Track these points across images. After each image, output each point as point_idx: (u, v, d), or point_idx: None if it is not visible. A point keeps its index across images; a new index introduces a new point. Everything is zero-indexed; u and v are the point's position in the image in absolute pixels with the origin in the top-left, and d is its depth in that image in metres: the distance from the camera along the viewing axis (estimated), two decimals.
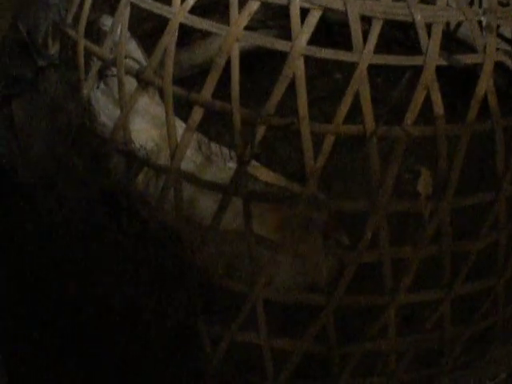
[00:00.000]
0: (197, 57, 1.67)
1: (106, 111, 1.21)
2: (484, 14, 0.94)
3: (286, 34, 1.71)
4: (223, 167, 1.16)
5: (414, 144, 0.98)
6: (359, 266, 1.06)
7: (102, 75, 1.09)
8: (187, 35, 1.71)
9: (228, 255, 1.09)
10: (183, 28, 1.03)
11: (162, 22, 1.05)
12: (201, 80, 0.99)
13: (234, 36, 0.93)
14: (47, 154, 1.16)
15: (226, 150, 1.18)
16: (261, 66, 1.59)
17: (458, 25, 1.56)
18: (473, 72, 0.97)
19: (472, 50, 0.97)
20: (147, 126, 1.22)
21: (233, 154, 1.16)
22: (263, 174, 1.10)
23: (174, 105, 1.01)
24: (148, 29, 1.34)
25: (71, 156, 1.11)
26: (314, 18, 0.92)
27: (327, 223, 1.12)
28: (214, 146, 1.25)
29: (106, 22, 1.15)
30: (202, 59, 1.66)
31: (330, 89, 1.71)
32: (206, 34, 1.70)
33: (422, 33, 0.93)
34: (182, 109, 1.06)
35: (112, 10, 1.23)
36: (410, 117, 0.95)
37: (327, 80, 1.72)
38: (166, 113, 0.99)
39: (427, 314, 1.14)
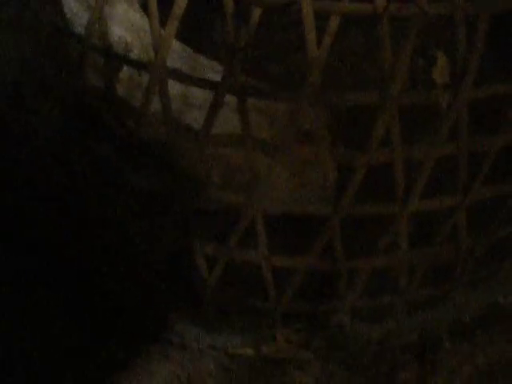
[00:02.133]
0: None
1: (80, 20, 1.06)
2: None
3: None
4: (212, 68, 1.01)
5: (429, 26, 0.84)
6: (367, 171, 0.93)
7: None
8: None
9: (223, 163, 0.96)
10: None
11: None
12: None
13: None
14: (15, 62, 1.01)
15: (213, 62, 1.04)
16: None
17: None
18: None
19: None
20: (125, 32, 1.07)
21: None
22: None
23: None
24: None
25: (43, 61, 0.96)
26: None
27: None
28: (201, 57, 1.11)
29: None
30: None
31: None
32: None
33: None
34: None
35: None
36: None
37: None
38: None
39: (441, 223, 1.01)
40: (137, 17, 1.10)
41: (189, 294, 1.03)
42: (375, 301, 1.04)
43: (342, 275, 1.00)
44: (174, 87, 0.95)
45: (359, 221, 0.98)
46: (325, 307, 1.03)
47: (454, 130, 0.91)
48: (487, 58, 0.91)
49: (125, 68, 0.96)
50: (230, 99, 0.89)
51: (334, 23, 0.81)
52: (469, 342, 1.11)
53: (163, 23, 0.88)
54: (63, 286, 1.09)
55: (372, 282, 1.03)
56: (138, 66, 0.90)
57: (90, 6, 1.06)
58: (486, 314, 1.14)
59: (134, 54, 0.94)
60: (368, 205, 0.95)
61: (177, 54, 1.06)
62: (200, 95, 1.02)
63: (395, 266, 1.01)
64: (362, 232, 1.02)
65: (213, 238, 0.99)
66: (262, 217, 0.94)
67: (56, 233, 1.09)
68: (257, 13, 0.81)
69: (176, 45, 1.05)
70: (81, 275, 1.09)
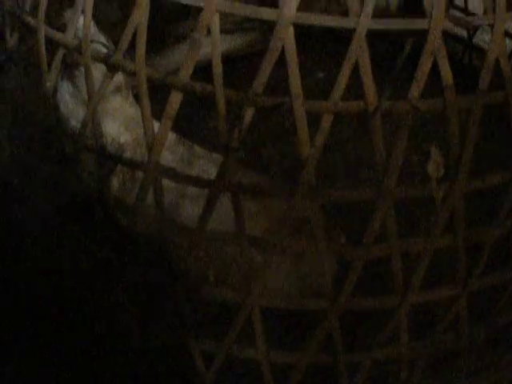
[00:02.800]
0: (172, 62, 1.52)
1: (77, 116, 1.06)
2: None
3: (263, 36, 1.59)
4: (208, 159, 1.01)
5: (421, 121, 0.84)
6: (364, 265, 0.91)
7: (66, 66, 0.94)
8: (160, 41, 1.57)
9: (218, 260, 0.94)
10: (155, 32, 0.89)
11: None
12: None
13: (213, 6, 0.79)
14: (10, 158, 1.00)
15: (215, 155, 1.03)
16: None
17: None
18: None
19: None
20: (119, 127, 1.07)
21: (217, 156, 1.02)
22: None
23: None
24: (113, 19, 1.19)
25: (37, 159, 0.95)
26: None
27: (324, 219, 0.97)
28: (197, 148, 1.11)
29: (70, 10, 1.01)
30: (178, 65, 1.52)
31: (313, 90, 1.57)
32: (180, 38, 1.57)
33: None
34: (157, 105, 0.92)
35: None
36: (416, 89, 0.81)
37: (309, 81, 1.58)
38: (140, 99, 0.84)
39: (441, 313, 0.99)
40: (131, 111, 1.10)
41: None
42: None
43: (342, 370, 0.97)
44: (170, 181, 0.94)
45: (358, 313, 0.96)
46: None
47: (450, 221, 0.89)
48: (482, 149, 0.91)
49: None
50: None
51: (326, 122, 0.81)
52: None
53: (157, 116, 0.88)
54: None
55: (373, 375, 1.00)
56: (132, 165, 0.89)
57: (84, 102, 1.07)
58: None
59: (128, 153, 0.93)
60: (366, 299, 0.93)
61: (171, 147, 1.06)
62: (194, 188, 1.01)
63: (396, 358, 0.99)
64: (361, 324, 1.00)
65: (210, 334, 0.96)
66: (260, 313, 0.92)
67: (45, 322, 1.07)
68: (250, 113, 0.81)
69: (171, 136, 1.04)
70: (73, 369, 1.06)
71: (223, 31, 0.84)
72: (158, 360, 1.01)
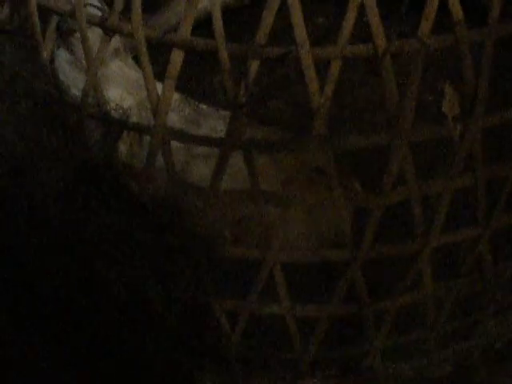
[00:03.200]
0: (166, 21, 1.48)
1: (76, 83, 1.03)
2: None
3: None
4: (216, 116, 0.98)
5: (432, 59, 0.80)
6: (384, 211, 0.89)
7: (61, 34, 0.91)
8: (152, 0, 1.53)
9: (234, 218, 0.92)
10: None
11: None
12: None
13: None
14: (11, 133, 0.98)
15: (216, 110, 1.00)
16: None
17: None
18: None
19: None
20: (122, 92, 1.04)
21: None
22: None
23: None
24: None
25: (39, 130, 0.92)
26: None
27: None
28: (202, 106, 1.08)
29: None
30: (173, 24, 1.48)
31: (314, 36, 1.52)
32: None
33: None
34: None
35: None
36: (426, 25, 0.77)
37: (308, 27, 1.53)
38: (141, 61, 0.81)
39: (464, 255, 0.97)
40: (132, 74, 1.07)
41: (213, 351, 0.99)
42: (404, 339, 1.00)
43: (368, 318, 0.95)
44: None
45: (381, 261, 0.94)
46: (354, 351, 0.99)
47: (469, 160, 0.87)
48: (496, 84, 0.87)
49: None
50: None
51: (335, 69, 0.78)
52: (503, 368, 1.07)
53: (159, 75, 0.85)
54: (82, 350, 1.05)
55: (399, 321, 0.99)
56: (139, 129, 0.87)
57: (83, 68, 1.04)
58: None
59: (134, 118, 0.91)
60: (388, 246, 0.91)
61: (177, 107, 1.03)
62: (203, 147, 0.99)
63: (421, 302, 0.97)
64: (384, 271, 0.98)
65: (232, 294, 0.95)
66: (281, 268, 0.91)
67: (66, 298, 1.05)
68: (255, 66, 0.78)
69: (175, 96, 1.02)
70: (99, 340, 1.05)
71: None
72: (181, 325, 1.00)
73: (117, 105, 0.90)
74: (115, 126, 0.85)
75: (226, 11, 1.14)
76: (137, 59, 1.09)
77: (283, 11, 0.79)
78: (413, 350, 1.02)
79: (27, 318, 1.04)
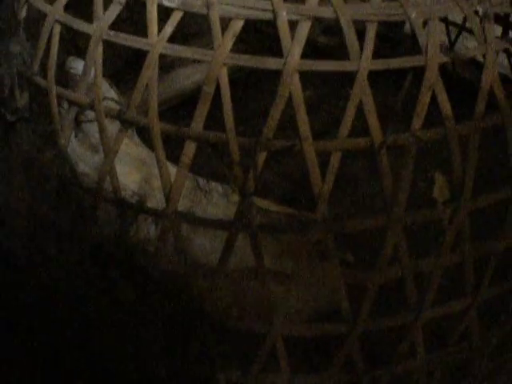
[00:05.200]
0: (169, 89, 1.58)
1: (85, 159, 1.11)
2: (479, 3, 0.86)
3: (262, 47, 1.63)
4: (224, 202, 1.06)
5: (423, 150, 0.90)
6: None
7: (78, 122, 0.99)
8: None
9: (240, 295, 1.00)
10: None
11: (132, 58, 0.96)
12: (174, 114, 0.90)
13: (220, 60, 0.84)
14: (26, 213, 1.05)
15: (224, 187, 1.09)
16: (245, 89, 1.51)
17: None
18: None
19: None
20: (129, 169, 1.13)
21: (230, 188, 1.07)
22: (267, 206, 1.01)
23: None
24: (117, 67, 1.24)
25: (54, 212, 1.00)
26: (304, 30, 0.84)
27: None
28: (212, 184, 1.16)
29: (74, 64, 1.06)
30: (175, 92, 1.57)
31: None
32: (168, 68, 1.62)
33: (419, 31, 0.85)
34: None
35: (77, 51, 1.13)
36: (417, 121, 0.87)
37: None
38: (156, 152, 0.89)
39: (453, 325, 1.05)
40: (139, 151, 1.15)
41: None
42: None
43: None
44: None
45: (376, 332, 1.02)
46: None
47: (457, 240, 0.96)
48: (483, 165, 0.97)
49: None
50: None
51: (335, 160, 0.87)
52: None
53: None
54: None
55: None
56: (153, 214, 0.95)
57: (93, 146, 1.12)
58: None
59: (149, 203, 0.99)
60: (383, 319, 0.99)
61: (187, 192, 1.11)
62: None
63: (414, 371, 1.05)
64: (379, 342, 1.06)
65: (236, 365, 1.02)
66: (282, 342, 0.98)
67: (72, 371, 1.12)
68: (262, 157, 0.87)
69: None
70: None
71: None
72: None
73: (133, 192, 0.98)
74: (131, 210, 0.93)
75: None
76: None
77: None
78: None
79: None
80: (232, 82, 0.88)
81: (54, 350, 1.09)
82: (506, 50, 1.41)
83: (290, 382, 1.01)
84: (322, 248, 0.95)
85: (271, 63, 0.84)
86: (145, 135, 1.15)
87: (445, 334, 1.07)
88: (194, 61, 1.72)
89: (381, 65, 0.84)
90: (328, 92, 1.61)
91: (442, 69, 1.56)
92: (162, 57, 0.89)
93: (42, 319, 1.09)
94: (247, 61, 0.84)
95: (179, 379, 1.04)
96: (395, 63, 0.85)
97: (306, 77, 1.12)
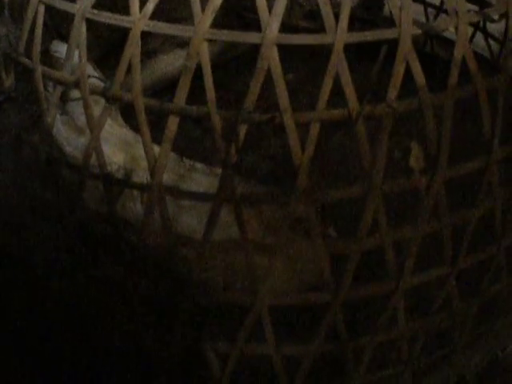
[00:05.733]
0: (145, 77, 1.60)
1: (71, 142, 1.14)
2: None
3: (231, 47, 1.67)
4: (207, 180, 1.10)
5: (399, 120, 0.94)
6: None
7: (63, 101, 1.02)
8: None
9: (225, 265, 1.03)
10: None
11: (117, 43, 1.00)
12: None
13: (201, 35, 0.88)
14: (15, 193, 1.08)
15: (207, 166, 1.12)
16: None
17: None
18: None
19: None
20: (113, 150, 1.16)
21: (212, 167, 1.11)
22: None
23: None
24: (102, 53, 1.28)
25: (43, 191, 1.03)
26: (281, 4, 0.87)
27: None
28: (195, 163, 1.19)
29: (58, 47, 1.09)
30: (157, 78, 1.60)
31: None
32: (150, 54, 1.65)
33: (392, 4, 0.89)
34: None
35: (61, 39, 1.16)
36: (392, 92, 0.91)
37: None
38: (140, 127, 0.92)
39: (434, 294, 1.09)
40: (122, 131, 1.19)
41: None
42: (382, 374, 1.12)
43: (348, 355, 1.07)
44: None
45: (358, 302, 1.06)
46: None
47: (434, 208, 1.00)
48: (458, 139, 1.01)
49: None
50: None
51: (314, 130, 0.90)
52: None
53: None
54: None
55: (377, 357, 1.10)
56: (138, 188, 0.98)
57: (78, 128, 1.15)
58: (487, 370, 1.22)
59: (134, 177, 1.02)
60: (365, 288, 1.02)
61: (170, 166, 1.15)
62: None
63: (396, 339, 1.09)
64: (362, 311, 1.10)
65: (223, 336, 1.05)
66: (268, 312, 1.02)
67: (61, 346, 1.15)
68: (243, 129, 0.90)
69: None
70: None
71: None
72: (174, 367, 1.10)
73: (119, 166, 1.01)
74: (117, 185, 0.96)
75: None
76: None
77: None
78: None
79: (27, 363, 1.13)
80: (217, 66, 0.92)
81: (44, 327, 1.12)
82: (482, 30, 1.46)
83: (276, 351, 1.04)
84: (304, 220, 0.99)
85: (250, 37, 0.88)
86: (128, 117, 1.19)
87: (426, 303, 1.11)
88: (176, 47, 1.76)
89: (356, 37, 0.88)
90: (308, 75, 1.66)
91: (421, 49, 1.61)
92: (144, 36, 0.92)
93: (31, 297, 1.12)
94: (227, 36, 0.88)
95: (167, 351, 1.07)
96: (370, 36, 0.89)
97: (286, 59, 1.15)
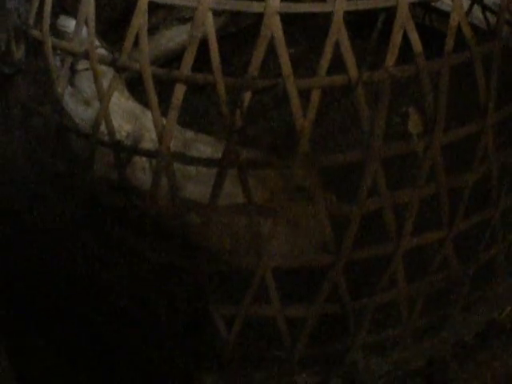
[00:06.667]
0: (155, 50, 1.65)
1: (78, 113, 1.19)
2: None
3: (232, 21, 1.72)
4: (211, 144, 1.15)
5: (397, 86, 0.98)
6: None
7: (72, 72, 1.07)
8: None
9: (230, 229, 1.08)
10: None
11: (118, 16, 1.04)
12: None
13: (206, 5, 0.93)
14: (26, 164, 1.13)
15: (211, 137, 1.17)
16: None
17: None
18: None
19: None
20: (120, 120, 1.21)
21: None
22: None
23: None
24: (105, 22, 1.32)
25: (52, 159, 1.08)
26: None
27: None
28: (200, 135, 1.24)
29: (66, 22, 1.13)
30: (160, 53, 1.65)
31: None
32: (153, 30, 1.69)
33: None
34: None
35: (65, 12, 1.21)
36: (391, 58, 0.95)
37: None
38: (148, 94, 0.97)
39: (432, 256, 1.15)
40: (128, 104, 1.23)
41: (211, 352, 1.15)
42: (383, 334, 1.17)
43: (349, 316, 1.12)
44: None
45: (359, 264, 1.11)
46: (338, 347, 1.15)
47: (432, 172, 1.05)
48: (454, 105, 1.06)
49: None
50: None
51: (315, 96, 0.95)
52: (473, 360, 1.24)
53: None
54: (82, 350, 1.19)
55: (378, 318, 1.16)
56: (147, 155, 1.03)
57: (85, 100, 1.20)
58: (486, 332, 1.27)
59: (142, 144, 1.07)
60: (365, 249, 1.08)
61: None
62: (194, 168, 1.16)
63: (396, 300, 1.14)
64: (363, 273, 1.15)
65: (228, 299, 1.11)
66: (271, 273, 1.07)
67: (72, 308, 1.20)
68: (248, 96, 0.95)
69: None
70: (102, 346, 1.19)
71: None
72: (182, 328, 1.15)
73: (128, 133, 1.06)
74: (126, 152, 1.01)
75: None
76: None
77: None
78: (390, 345, 1.19)
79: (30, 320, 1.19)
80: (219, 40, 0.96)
81: (56, 294, 1.17)
82: (478, 2, 1.50)
83: (279, 313, 1.10)
84: (306, 188, 1.04)
85: (254, 6, 0.93)
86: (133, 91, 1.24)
87: (425, 265, 1.16)
88: (178, 23, 1.80)
89: (354, 5, 0.93)
90: (310, 50, 1.70)
91: (420, 23, 1.65)
92: (151, 6, 0.97)
93: (43, 264, 1.17)
94: (232, 5, 0.93)
95: (176, 315, 1.12)
96: (369, 4, 0.93)
97: (288, 35, 1.20)
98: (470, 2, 1.55)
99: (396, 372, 1.20)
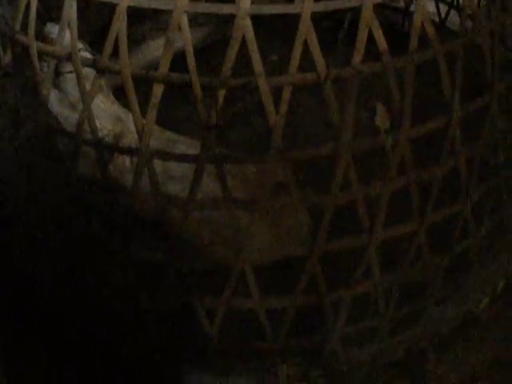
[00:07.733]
0: (141, 60, 1.72)
1: (63, 116, 1.26)
2: None
3: (218, 30, 1.79)
4: (184, 142, 1.21)
5: (365, 83, 1.05)
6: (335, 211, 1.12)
7: (58, 76, 1.14)
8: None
9: (210, 223, 1.14)
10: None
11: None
12: None
13: (181, 8, 0.99)
14: (14, 165, 1.20)
15: (189, 139, 1.23)
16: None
17: None
18: None
19: None
20: (105, 123, 1.27)
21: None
22: None
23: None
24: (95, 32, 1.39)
25: (42, 161, 1.15)
26: None
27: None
28: (178, 136, 1.30)
29: (52, 29, 1.20)
30: (146, 62, 1.72)
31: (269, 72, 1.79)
32: (140, 40, 1.77)
33: None
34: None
35: (51, 20, 1.28)
36: (357, 56, 1.02)
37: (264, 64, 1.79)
38: (127, 94, 1.04)
39: (406, 248, 1.20)
40: (113, 107, 1.30)
41: (195, 344, 1.21)
42: (360, 326, 1.23)
43: (327, 308, 1.18)
44: (156, 164, 1.15)
45: (335, 255, 1.17)
46: (317, 338, 1.21)
47: (401, 165, 1.11)
48: (420, 100, 1.12)
49: None
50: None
51: (286, 93, 1.02)
52: (451, 351, 1.29)
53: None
54: (71, 352, 1.25)
55: (355, 310, 1.21)
56: (128, 152, 1.10)
57: (70, 104, 1.27)
58: (463, 324, 1.32)
59: (123, 142, 1.14)
60: (340, 241, 1.14)
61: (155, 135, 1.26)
62: (178, 169, 1.22)
63: (372, 291, 1.20)
64: (339, 266, 1.21)
65: (210, 292, 1.16)
66: (251, 267, 1.13)
67: (58, 302, 1.25)
68: (222, 94, 1.02)
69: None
70: (87, 341, 1.25)
71: None
72: (166, 322, 1.21)
73: (109, 130, 1.13)
74: (108, 149, 1.08)
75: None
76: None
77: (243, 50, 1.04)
78: (368, 337, 1.25)
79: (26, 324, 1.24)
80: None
81: (43, 287, 1.23)
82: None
83: (260, 305, 1.16)
84: (282, 179, 1.10)
85: (226, 8, 0.99)
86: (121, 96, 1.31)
87: (399, 257, 1.22)
88: (163, 33, 1.87)
89: (322, 7, 1.00)
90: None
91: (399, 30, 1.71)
92: (133, 22, 1.04)
93: (33, 265, 1.23)
94: (204, 8, 0.99)
95: (160, 307, 1.18)
96: (335, 5, 1.00)
97: (271, 44, 1.26)
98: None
99: (375, 363, 1.25)
